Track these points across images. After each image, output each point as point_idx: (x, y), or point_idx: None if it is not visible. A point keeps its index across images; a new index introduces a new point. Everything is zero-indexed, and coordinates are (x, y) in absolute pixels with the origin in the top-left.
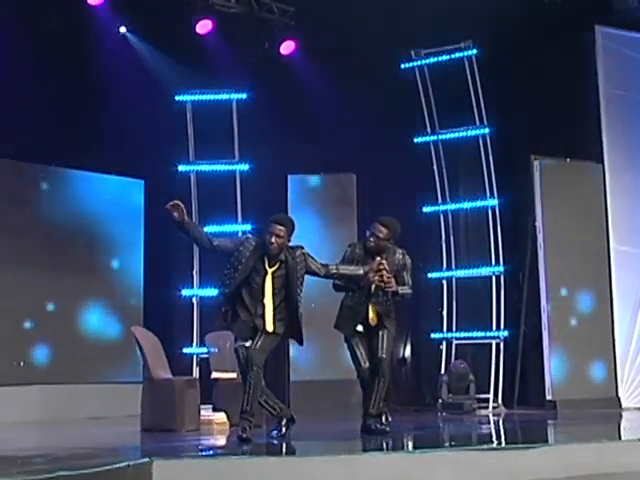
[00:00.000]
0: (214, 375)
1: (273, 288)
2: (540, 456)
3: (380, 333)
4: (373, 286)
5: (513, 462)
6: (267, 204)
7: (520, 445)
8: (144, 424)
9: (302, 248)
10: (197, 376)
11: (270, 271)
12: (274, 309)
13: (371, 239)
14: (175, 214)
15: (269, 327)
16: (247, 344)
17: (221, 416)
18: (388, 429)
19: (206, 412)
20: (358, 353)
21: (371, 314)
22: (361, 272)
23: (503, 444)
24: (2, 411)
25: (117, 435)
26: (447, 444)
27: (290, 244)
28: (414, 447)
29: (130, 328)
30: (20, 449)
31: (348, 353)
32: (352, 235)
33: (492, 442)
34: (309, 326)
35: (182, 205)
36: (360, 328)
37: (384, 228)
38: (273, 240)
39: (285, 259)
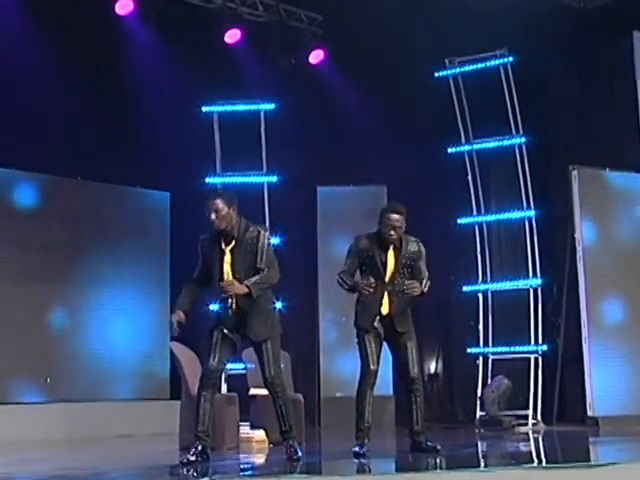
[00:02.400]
0: (252, 392)
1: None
2: (606, 475)
3: (407, 345)
4: (389, 275)
5: None
6: (296, 216)
7: (584, 464)
8: (182, 442)
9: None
10: (225, 392)
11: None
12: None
13: (391, 233)
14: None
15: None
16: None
17: (260, 434)
18: (439, 447)
19: (244, 430)
20: (369, 351)
21: (385, 304)
22: (348, 285)
23: (564, 462)
24: (28, 429)
25: (156, 454)
26: (507, 462)
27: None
28: (474, 465)
29: (158, 343)
30: (67, 467)
31: (358, 350)
32: None
33: (550, 460)
34: (340, 341)
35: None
36: (377, 323)
37: (399, 216)
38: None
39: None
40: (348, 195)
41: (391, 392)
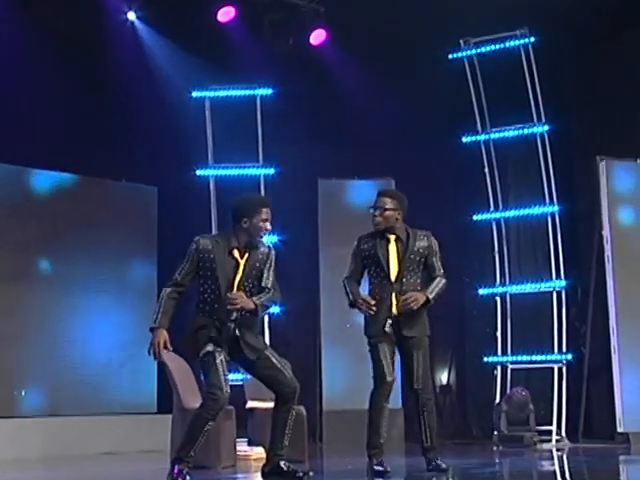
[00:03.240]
0: (250, 404)
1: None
2: None
3: (413, 353)
4: (394, 273)
5: None
6: (295, 213)
7: None
8: None
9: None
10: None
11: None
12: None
13: (376, 213)
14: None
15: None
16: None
17: (259, 451)
18: (444, 466)
19: (242, 446)
20: (383, 361)
21: (395, 304)
22: (349, 297)
23: None
24: (1, 447)
25: (144, 474)
26: None
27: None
28: None
29: (144, 350)
30: None
31: (370, 358)
32: None
33: None
34: (344, 348)
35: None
36: (389, 328)
37: (388, 198)
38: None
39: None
40: (352, 189)
41: (400, 404)
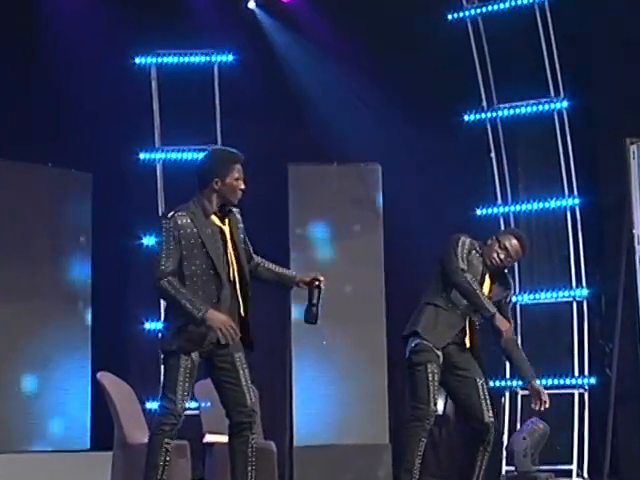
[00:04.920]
0: (208, 438)
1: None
2: None
3: (477, 382)
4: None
5: None
6: (259, 205)
7: None
8: None
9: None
10: None
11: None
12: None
13: (502, 257)
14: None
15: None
16: None
17: None
18: None
19: None
20: (432, 388)
21: (468, 333)
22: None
23: None
24: None
25: None
26: None
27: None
28: None
29: (76, 371)
30: None
31: (414, 380)
32: (376, 245)
33: None
34: (319, 371)
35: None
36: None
37: (522, 251)
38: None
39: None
40: (330, 176)
41: (387, 440)
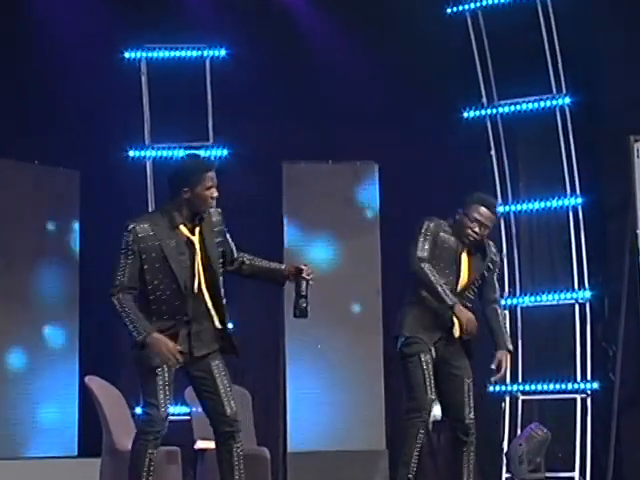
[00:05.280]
0: (199, 445)
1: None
2: None
3: (464, 382)
4: (460, 284)
5: None
6: (252, 204)
7: None
8: None
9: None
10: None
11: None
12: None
13: (475, 231)
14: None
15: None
16: None
17: None
18: None
19: None
20: (427, 376)
21: (457, 323)
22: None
23: None
24: None
25: None
26: None
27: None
28: None
29: (63, 377)
30: None
31: (408, 372)
32: (373, 246)
33: None
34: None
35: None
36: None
37: (491, 214)
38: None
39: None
40: (325, 174)
41: (384, 446)
